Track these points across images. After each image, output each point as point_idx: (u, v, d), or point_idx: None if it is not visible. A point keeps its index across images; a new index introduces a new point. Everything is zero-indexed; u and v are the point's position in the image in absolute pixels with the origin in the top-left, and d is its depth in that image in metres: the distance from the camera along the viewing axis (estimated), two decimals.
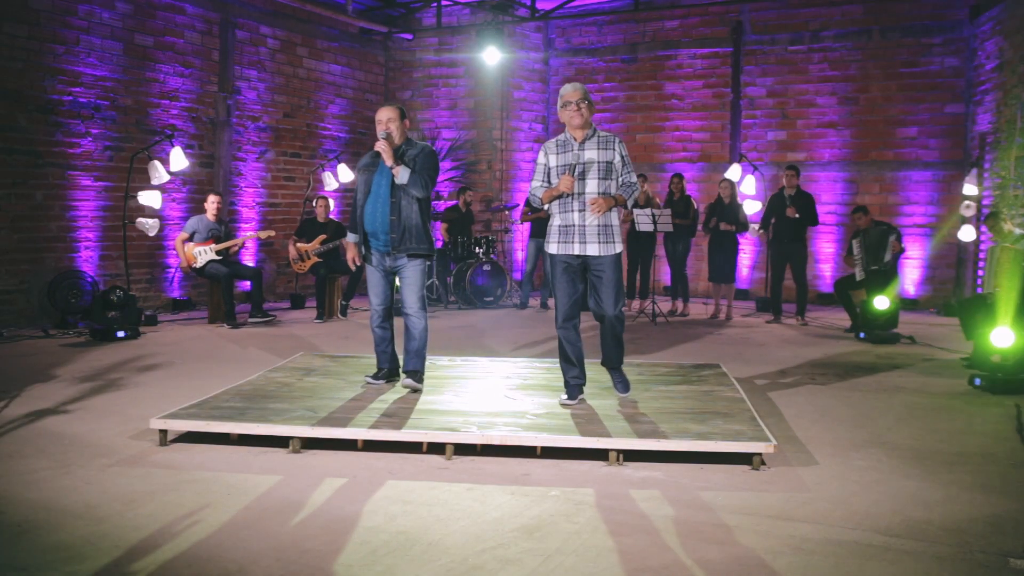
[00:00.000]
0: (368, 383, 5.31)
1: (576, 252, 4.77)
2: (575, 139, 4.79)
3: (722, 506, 3.52)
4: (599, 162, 4.73)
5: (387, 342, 5.36)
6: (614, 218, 4.81)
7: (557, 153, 4.84)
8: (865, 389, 5.93)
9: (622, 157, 4.79)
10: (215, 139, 10.36)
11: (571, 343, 4.86)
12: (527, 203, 10.94)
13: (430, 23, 12.55)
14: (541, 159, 4.91)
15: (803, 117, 11.67)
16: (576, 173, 4.71)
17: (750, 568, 2.91)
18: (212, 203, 8.98)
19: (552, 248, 4.86)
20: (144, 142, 9.20)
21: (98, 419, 4.86)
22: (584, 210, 4.72)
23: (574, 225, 4.76)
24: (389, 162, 5.02)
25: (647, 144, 12.50)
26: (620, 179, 4.80)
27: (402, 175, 5.01)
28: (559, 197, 4.78)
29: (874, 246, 8.53)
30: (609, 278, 4.77)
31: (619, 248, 4.81)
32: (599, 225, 4.74)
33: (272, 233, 9.85)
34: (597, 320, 4.91)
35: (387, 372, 5.38)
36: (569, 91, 4.77)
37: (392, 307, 5.35)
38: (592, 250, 4.76)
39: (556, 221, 4.84)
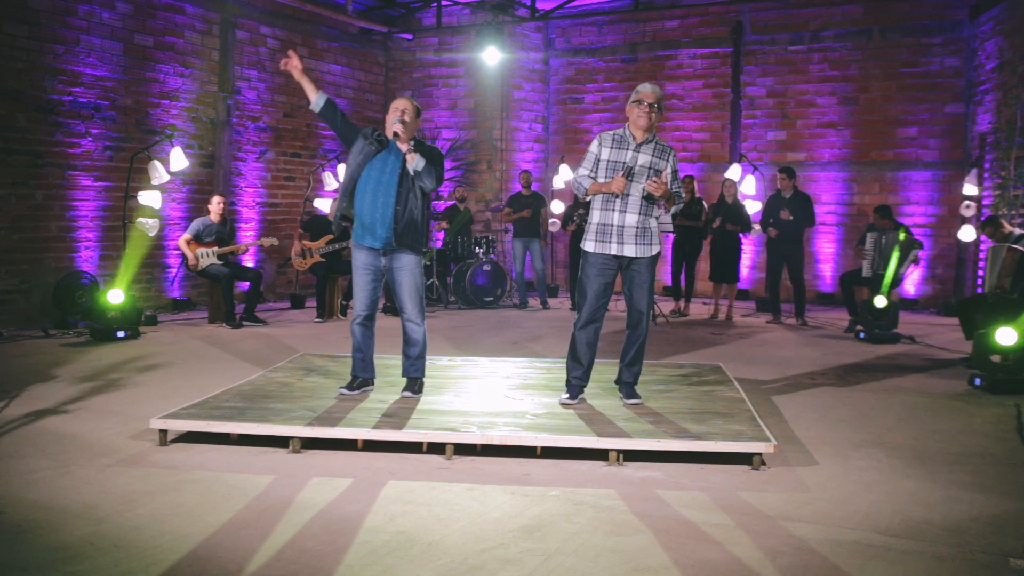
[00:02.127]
0: (342, 394, 4.97)
1: (613, 252, 4.78)
2: (634, 138, 4.79)
3: (722, 506, 3.51)
4: (651, 168, 4.75)
5: (368, 347, 5.03)
6: (653, 221, 4.82)
7: (612, 147, 4.81)
8: (865, 389, 5.93)
9: (674, 171, 4.81)
10: (215, 139, 10.36)
11: (587, 345, 4.86)
12: (508, 203, 10.95)
13: (430, 23, 12.55)
14: (594, 148, 4.86)
15: (803, 117, 11.67)
16: (628, 175, 4.72)
17: (750, 568, 2.91)
18: (216, 204, 8.96)
19: (589, 246, 4.84)
20: (144, 142, 9.20)
21: (98, 419, 4.86)
22: (625, 211, 4.73)
23: (613, 225, 4.76)
24: (405, 145, 4.78)
25: None
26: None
27: (418, 161, 4.77)
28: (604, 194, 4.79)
29: (890, 251, 8.38)
30: (644, 279, 4.81)
31: (656, 250, 4.82)
32: (638, 227, 4.75)
33: (275, 241, 9.80)
34: (631, 324, 4.87)
35: (362, 382, 5.06)
36: (647, 91, 4.77)
37: (375, 312, 5.05)
38: (629, 251, 4.77)
39: (595, 219, 4.83)
